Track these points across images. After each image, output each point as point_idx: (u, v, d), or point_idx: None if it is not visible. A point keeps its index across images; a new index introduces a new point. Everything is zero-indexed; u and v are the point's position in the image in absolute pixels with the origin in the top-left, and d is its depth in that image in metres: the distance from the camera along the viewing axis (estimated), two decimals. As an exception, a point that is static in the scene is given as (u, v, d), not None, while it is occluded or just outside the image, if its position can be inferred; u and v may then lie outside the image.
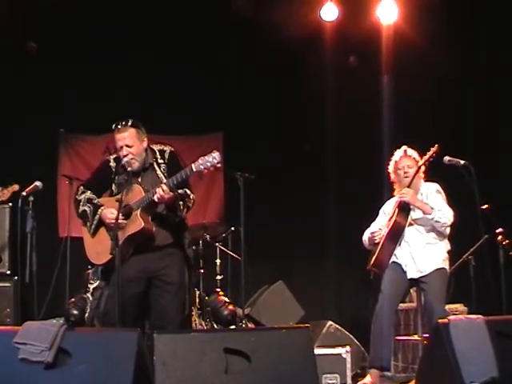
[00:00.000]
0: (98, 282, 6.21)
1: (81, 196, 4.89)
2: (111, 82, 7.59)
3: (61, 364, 3.54)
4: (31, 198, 5.40)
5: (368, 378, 5.22)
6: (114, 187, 4.87)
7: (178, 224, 4.82)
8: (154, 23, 7.55)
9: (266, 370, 3.63)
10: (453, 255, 5.49)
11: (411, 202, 5.31)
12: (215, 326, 6.51)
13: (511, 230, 5.29)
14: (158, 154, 4.87)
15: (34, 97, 7.51)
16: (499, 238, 5.25)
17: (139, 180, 4.82)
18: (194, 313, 6.48)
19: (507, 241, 5.24)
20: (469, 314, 5.50)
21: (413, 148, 5.51)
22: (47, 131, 7.69)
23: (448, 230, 5.37)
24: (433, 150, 5.31)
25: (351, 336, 6.04)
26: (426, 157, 5.34)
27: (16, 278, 6.37)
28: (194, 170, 4.50)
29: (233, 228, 6.85)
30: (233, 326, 6.44)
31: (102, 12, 7.36)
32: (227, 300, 6.65)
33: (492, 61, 7.18)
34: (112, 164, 4.90)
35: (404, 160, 5.46)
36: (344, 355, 5.33)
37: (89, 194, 4.87)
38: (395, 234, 5.35)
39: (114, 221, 4.54)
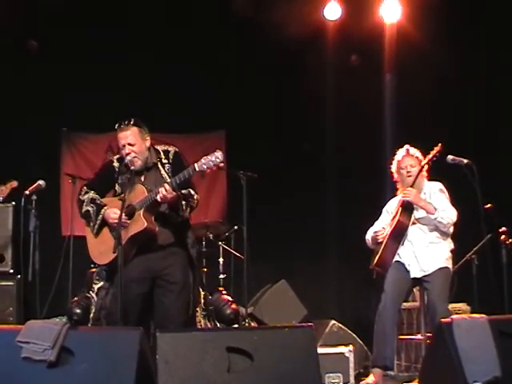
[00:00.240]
0: (102, 283, 6.21)
1: (84, 196, 4.89)
2: (112, 81, 7.59)
3: (63, 363, 3.54)
4: (34, 197, 5.42)
5: (371, 378, 5.22)
6: (117, 187, 4.86)
7: (181, 224, 4.81)
8: (155, 23, 7.55)
9: (269, 369, 3.63)
10: (456, 255, 5.49)
11: (414, 202, 5.31)
12: (218, 324, 6.51)
13: (514, 229, 5.31)
14: (162, 154, 4.87)
15: (34, 96, 7.51)
16: (502, 237, 5.25)
17: (142, 179, 4.82)
18: (198, 313, 6.47)
19: (510, 240, 5.24)
20: (472, 313, 5.50)
21: (414, 147, 5.51)
22: (49, 130, 7.69)
23: (451, 229, 5.36)
24: (436, 149, 5.31)
25: (354, 335, 6.03)
26: (430, 156, 5.34)
27: (19, 276, 6.37)
28: (197, 169, 4.50)
29: (236, 227, 6.85)
30: (235, 325, 6.44)
31: (102, 12, 7.36)
32: (230, 299, 6.65)
33: (493, 61, 7.18)
34: (115, 164, 4.90)
35: (406, 159, 5.45)
36: (347, 354, 5.33)
37: (92, 194, 4.87)
38: (398, 234, 5.35)
39: (116, 220, 4.54)
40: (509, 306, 5.00)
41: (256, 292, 7.10)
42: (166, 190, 4.52)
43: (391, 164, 5.56)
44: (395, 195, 5.61)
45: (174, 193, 4.56)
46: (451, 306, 5.58)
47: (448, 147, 5.30)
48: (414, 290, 5.86)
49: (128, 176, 4.72)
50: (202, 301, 6.61)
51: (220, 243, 6.99)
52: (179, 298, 4.76)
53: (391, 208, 5.58)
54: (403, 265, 5.33)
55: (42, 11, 7.19)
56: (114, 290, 4.71)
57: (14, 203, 6.43)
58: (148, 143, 4.83)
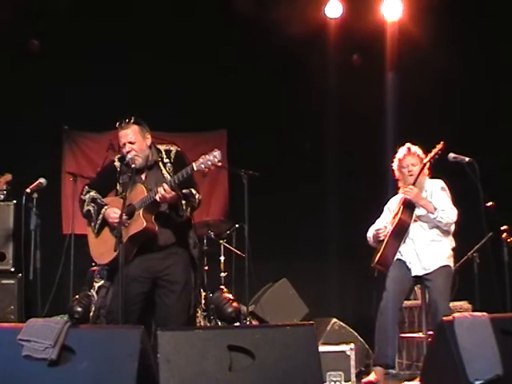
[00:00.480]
0: (103, 281, 6.20)
1: (85, 196, 4.88)
2: (113, 80, 7.58)
3: (64, 361, 3.54)
4: (35, 195, 5.42)
5: (372, 376, 5.22)
6: (118, 187, 4.85)
7: (182, 223, 4.77)
8: (156, 22, 7.54)
9: (270, 368, 3.62)
10: (457, 253, 5.48)
11: (415, 200, 5.30)
12: (219, 323, 6.51)
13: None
14: (163, 153, 4.86)
15: (36, 95, 7.51)
16: (503, 235, 5.25)
17: (143, 178, 4.81)
18: (199, 314, 6.46)
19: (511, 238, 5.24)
20: (473, 311, 5.48)
21: (416, 145, 5.49)
22: (50, 129, 7.68)
23: (453, 228, 5.35)
24: (438, 147, 5.30)
25: (355, 333, 6.03)
26: (432, 154, 5.33)
27: (20, 275, 6.36)
28: (195, 168, 4.48)
29: (237, 225, 6.84)
30: (237, 323, 6.44)
31: (103, 10, 7.36)
32: (231, 297, 6.64)
33: (495, 58, 7.17)
34: (117, 164, 4.89)
35: (408, 158, 5.43)
36: (348, 352, 5.33)
37: (93, 193, 4.86)
38: (400, 232, 5.35)
39: (116, 220, 4.53)
40: (510, 304, 5.00)
41: (257, 290, 7.11)
42: (164, 190, 4.50)
43: (392, 162, 5.55)
44: (396, 193, 5.60)
45: (173, 192, 4.56)
46: (452, 304, 5.58)
47: (450, 145, 5.29)
48: (416, 288, 5.86)
49: (129, 175, 4.72)
50: (203, 301, 6.60)
51: (221, 241, 6.98)
52: (180, 298, 4.76)
53: (393, 206, 5.58)
54: (404, 263, 5.32)
55: (44, 8, 7.19)
56: (115, 288, 4.71)
57: (15, 201, 6.42)
58: (149, 141, 4.82)
